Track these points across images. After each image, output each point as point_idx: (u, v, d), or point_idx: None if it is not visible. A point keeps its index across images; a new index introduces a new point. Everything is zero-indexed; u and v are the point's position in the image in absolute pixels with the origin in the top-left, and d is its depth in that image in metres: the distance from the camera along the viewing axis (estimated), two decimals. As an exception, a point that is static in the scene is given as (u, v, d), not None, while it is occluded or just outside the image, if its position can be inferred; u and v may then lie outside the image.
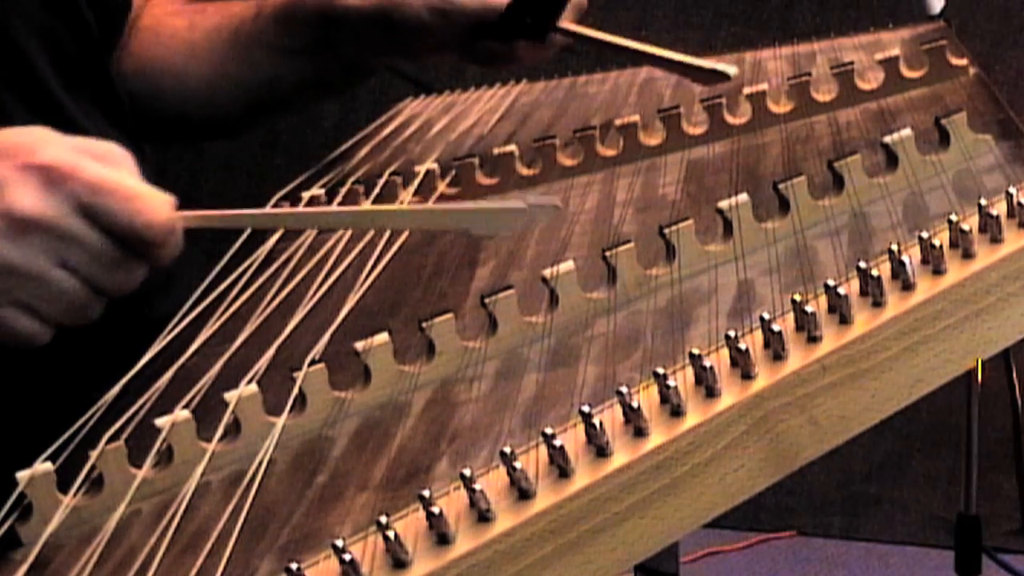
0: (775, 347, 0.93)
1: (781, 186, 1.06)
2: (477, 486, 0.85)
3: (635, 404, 0.89)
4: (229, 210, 1.01)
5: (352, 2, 1.30)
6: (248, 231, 1.17)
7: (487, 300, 1.00)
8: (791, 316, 0.95)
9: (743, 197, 1.05)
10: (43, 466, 0.91)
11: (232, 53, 1.35)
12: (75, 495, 0.92)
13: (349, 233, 1.18)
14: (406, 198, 1.23)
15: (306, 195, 1.28)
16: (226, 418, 0.95)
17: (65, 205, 0.92)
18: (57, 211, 0.92)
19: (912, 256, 0.97)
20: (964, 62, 1.22)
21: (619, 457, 0.88)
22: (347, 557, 0.82)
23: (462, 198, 1.24)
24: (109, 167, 0.95)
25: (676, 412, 0.90)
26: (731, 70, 1.23)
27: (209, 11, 1.38)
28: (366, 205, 1.22)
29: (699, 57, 1.29)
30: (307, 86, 1.37)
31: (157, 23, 1.39)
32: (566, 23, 1.31)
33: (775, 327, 0.93)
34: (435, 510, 0.84)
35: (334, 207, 1.21)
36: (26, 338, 0.95)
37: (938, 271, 0.97)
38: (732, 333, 0.93)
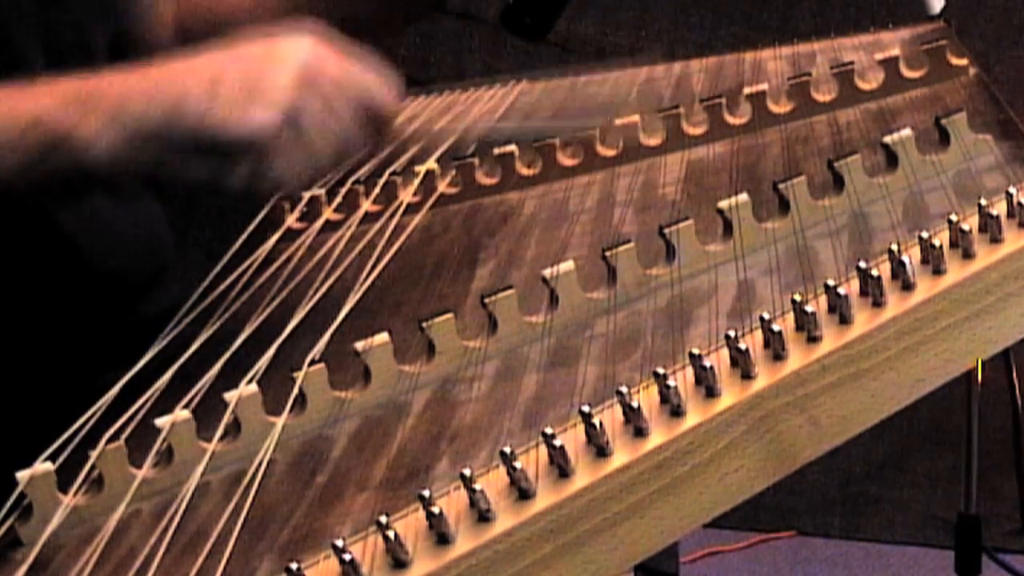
0: (775, 347, 0.93)
1: (781, 186, 1.06)
2: (477, 486, 0.85)
3: (635, 404, 0.89)
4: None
5: None
6: (248, 231, 1.17)
7: (487, 300, 1.00)
8: (791, 316, 0.95)
9: (743, 197, 1.05)
10: (43, 466, 0.91)
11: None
12: (75, 495, 0.92)
13: (349, 233, 1.18)
14: (406, 198, 1.23)
15: (306, 195, 1.28)
16: (226, 418, 0.95)
17: (333, 64, 1.05)
18: (328, 68, 1.05)
19: (912, 256, 0.97)
20: (964, 62, 1.22)
21: (619, 457, 0.88)
22: (347, 557, 0.82)
23: (462, 198, 1.24)
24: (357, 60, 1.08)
25: (676, 412, 0.90)
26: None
27: None
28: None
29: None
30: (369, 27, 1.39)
31: None
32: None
33: (775, 327, 0.93)
34: (435, 510, 0.84)
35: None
36: (289, 178, 1.05)
37: (938, 271, 0.97)
38: (732, 333, 0.93)
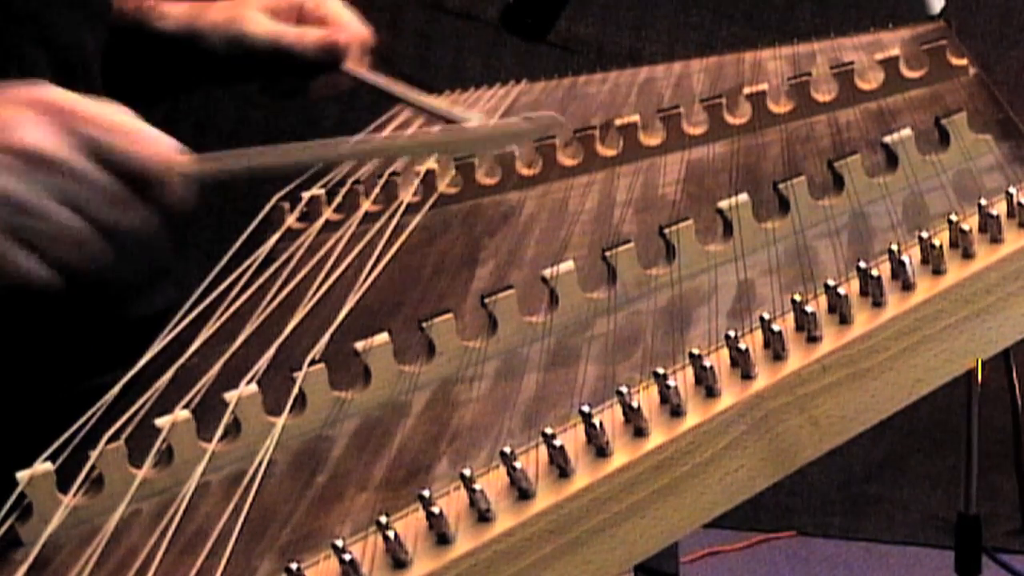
0: (775, 347, 0.93)
1: (781, 186, 1.06)
2: (477, 486, 0.85)
3: (635, 404, 0.89)
4: (240, 149, 1.01)
5: (164, 25, 1.32)
6: (248, 231, 1.17)
7: (487, 300, 1.00)
8: (791, 316, 0.95)
9: (743, 197, 1.05)
10: (43, 466, 0.91)
11: None
12: (75, 495, 0.92)
13: (349, 233, 1.18)
14: (406, 198, 1.23)
15: (306, 195, 1.28)
16: (226, 418, 0.95)
17: (72, 142, 0.92)
18: (64, 148, 0.92)
19: (912, 256, 0.97)
20: (964, 62, 1.22)
21: (619, 457, 0.88)
22: (347, 557, 0.82)
23: (462, 198, 1.24)
24: (113, 111, 0.96)
25: (676, 412, 0.90)
26: (472, 117, 1.24)
27: None
28: (377, 136, 1.23)
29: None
30: (145, 92, 1.38)
31: None
32: (350, 66, 1.32)
33: (775, 327, 0.93)
34: (435, 510, 0.84)
35: (346, 140, 1.21)
36: (26, 275, 0.94)
37: (938, 271, 0.97)
38: (732, 333, 0.93)
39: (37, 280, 0.94)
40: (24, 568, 0.87)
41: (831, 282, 0.95)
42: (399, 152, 1.17)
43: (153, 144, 0.96)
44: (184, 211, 0.98)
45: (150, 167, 0.95)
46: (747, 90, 1.24)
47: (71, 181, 0.92)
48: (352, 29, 1.33)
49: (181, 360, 1.02)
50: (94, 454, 0.92)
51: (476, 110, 1.42)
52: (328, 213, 1.25)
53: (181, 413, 0.94)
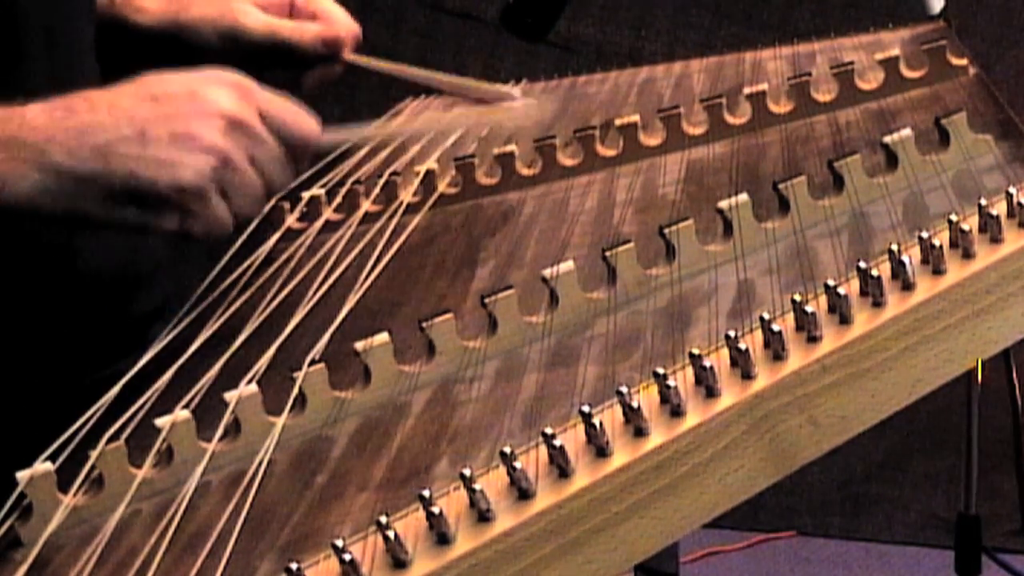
0: (775, 347, 0.93)
1: (781, 186, 1.06)
2: (477, 486, 0.85)
3: (635, 404, 0.89)
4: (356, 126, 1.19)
5: (142, 18, 1.33)
6: (248, 231, 1.17)
7: (487, 300, 1.00)
8: (791, 316, 0.95)
9: (743, 197, 1.05)
10: (43, 466, 0.91)
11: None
12: (75, 495, 0.92)
13: (349, 233, 1.18)
14: (406, 198, 1.23)
15: (306, 195, 1.28)
16: (226, 418, 0.95)
17: (254, 110, 1.06)
18: (251, 114, 1.05)
19: (912, 256, 0.97)
20: (964, 62, 1.22)
21: (619, 457, 0.88)
22: (347, 557, 0.82)
23: (462, 198, 1.24)
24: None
25: (676, 412, 0.90)
26: (515, 92, 1.25)
27: None
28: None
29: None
30: None
31: None
32: (350, 55, 1.34)
33: (775, 327, 0.93)
34: (435, 510, 0.84)
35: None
36: (221, 224, 1.05)
37: (938, 271, 0.97)
38: (732, 333, 0.93)
39: (226, 226, 1.05)
40: (24, 568, 0.87)
41: (831, 282, 0.95)
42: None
43: (307, 119, 1.09)
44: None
45: (305, 135, 1.09)
46: (747, 90, 1.24)
47: (255, 142, 1.05)
48: (345, 24, 1.36)
49: (181, 360, 1.02)
50: (94, 454, 0.92)
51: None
52: (328, 213, 1.25)
53: (181, 413, 0.94)
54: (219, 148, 1.03)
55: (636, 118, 1.25)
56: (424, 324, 0.99)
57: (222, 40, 1.33)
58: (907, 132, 1.08)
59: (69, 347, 1.20)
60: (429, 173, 1.26)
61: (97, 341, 1.19)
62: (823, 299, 0.96)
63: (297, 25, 1.35)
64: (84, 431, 0.94)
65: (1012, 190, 1.01)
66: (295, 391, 0.96)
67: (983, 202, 1.00)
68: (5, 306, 1.17)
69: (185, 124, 1.03)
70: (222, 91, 1.05)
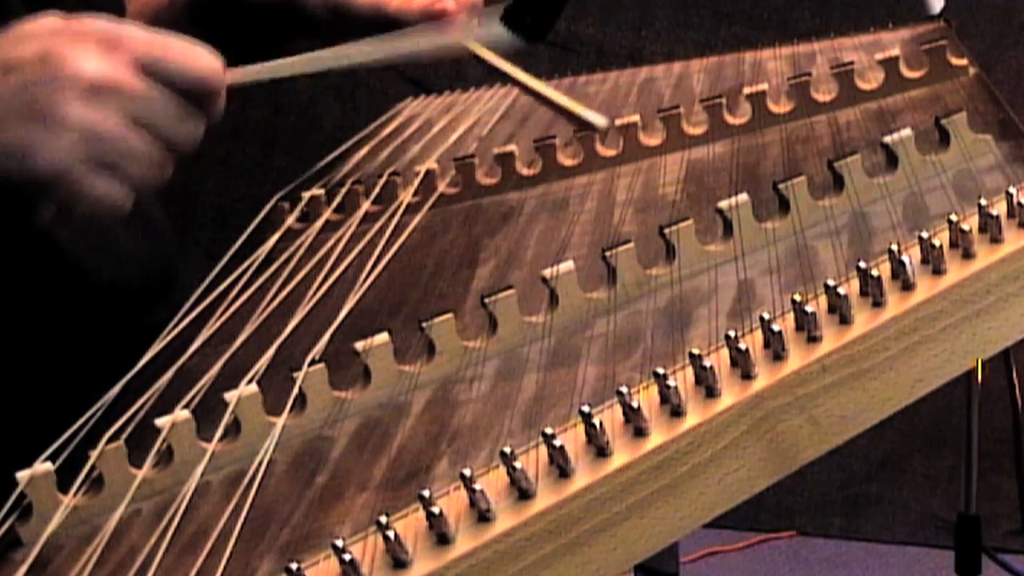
0: (775, 347, 0.93)
1: (781, 186, 1.06)
2: (477, 486, 0.85)
3: (635, 404, 0.89)
4: (268, 62, 1.06)
5: None
6: (248, 231, 1.17)
7: (487, 300, 1.00)
8: (791, 316, 0.95)
9: (743, 197, 1.05)
10: (43, 466, 0.91)
11: None
12: (75, 495, 0.92)
13: (349, 233, 1.18)
14: (406, 198, 1.23)
15: (306, 195, 1.28)
16: (226, 418, 0.95)
17: (126, 65, 0.93)
18: (121, 72, 0.93)
19: (912, 256, 0.97)
20: (964, 62, 1.22)
21: (619, 457, 0.88)
22: (347, 557, 0.82)
23: (462, 198, 1.24)
24: (156, 31, 0.96)
25: (676, 412, 0.90)
26: (601, 121, 1.22)
27: None
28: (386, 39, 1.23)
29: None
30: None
31: None
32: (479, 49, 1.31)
33: (775, 327, 0.93)
34: (435, 510, 0.84)
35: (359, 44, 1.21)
36: (110, 202, 0.95)
37: (938, 271, 0.97)
38: (732, 333, 0.93)
39: (117, 203, 0.94)
40: (24, 568, 0.87)
41: (831, 282, 0.95)
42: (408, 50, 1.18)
43: (202, 57, 0.96)
44: (218, 123, 0.99)
45: (204, 79, 0.96)
46: (747, 90, 1.24)
47: (135, 102, 0.93)
48: None
49: (181, 360, 1.02)
50: (94, 454, 0.92)
51: (476, 110, 1.43)
52: (328, 213, 1.25)
53: (181, 413, 0.94)
54: (82, 121, 0.91)
55: (636, 118, 1.25)
56: (424, 324, 0.99)
57: (329, 14, 1.29)
58: (907, 132, 1.08)
59: (83, 358, 1.19)
60: (429, 173, 1.26)
61: (111, 352, 1.18)
62: (823, 299, 0.96)
63: None
64: (84, 431, 0.94)
65: (1012, 190, 1.01)
66: (295, 391, 0.96)
67: (983, 202, 1.00)
68: (16, 316, 1.17)
69: (36, 99, 0.91)
70: (81, 49, 0.92)
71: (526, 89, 1.27)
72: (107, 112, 0.92)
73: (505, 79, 1.30)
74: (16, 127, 0.91)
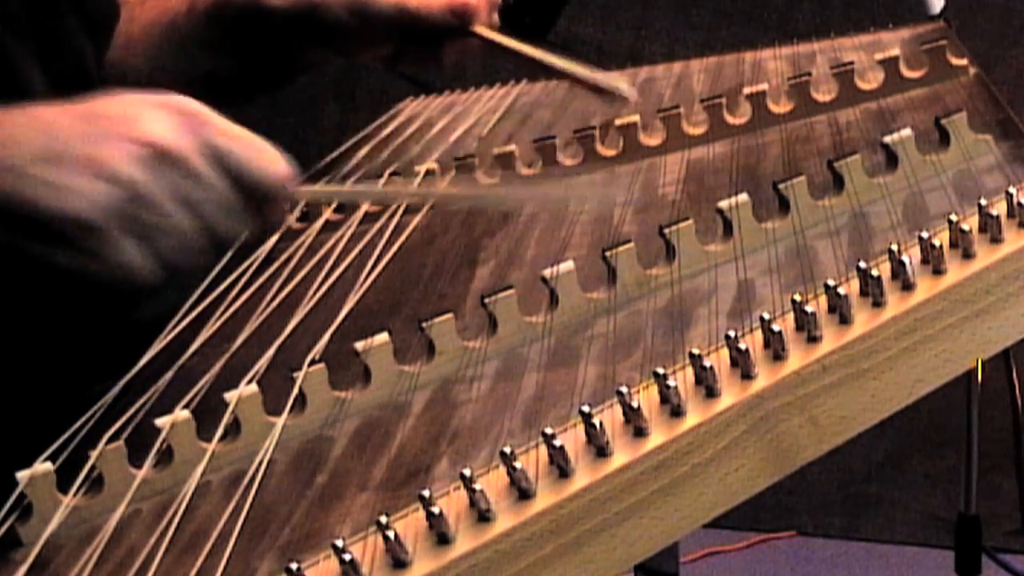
0: (775, 347, 0.93)
1: (781, 186, 1.06)
2: (477, 486, 0.85)
3: (635, 404, 0.89)
4: (339, 184, 1.09)
5: (277, 1, 1.29)
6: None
7: (487, 300, 1.00)
8: (791, 316, 0.95)
9: (743, 197, 1.05)
10: (43, 466, 0.91)
11: (168, 48, 1.32)
12: (75, 495, 0.92)
13: (349, 233, 1.18)
14: (406, 198, 1.23)
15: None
16: (226, 418, 0.95)
17: (197, 143, 0.92)
18: (190, 147, 0.92)
19: (912, 256, 0.97)
20: (964, 62, 1.22)
21: (619, 457, 0.88)
22: (347, 557, 0.82)
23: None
24: (237, 125, 0.96)
25: (676, 412, 0.90)
26: (628, 90, 1.21)
27: (148, 4, 1.37)
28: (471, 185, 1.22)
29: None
30: (242, 82, 1.36)
31: None
32: (481, 29, 1.30)
33: (775, 327, 0.93)
34: (435, 510, 0.84)
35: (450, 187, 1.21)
36: (131, 270, 0.93)
37: (938, 271, 0.97)
38: (732, 333, 0.93)
39: (138, 273, 0.93)
40: (24, 568, 0.87)
41: (831, 282, 0.95)
42: (491, 201, 1.18)
43: (272, 160, 0.96)
44: (276, 230, 0.99)
45: (266, 182, 0.95)
46: (747, 90, 1.24)
47: (190, 181, 0.92)
48: None
49: (181, 360, 1.02)
50: (94, 454, 0.92)
51: (476, 110, 1.42)
52: (328, 213, 1.24)
53: (181, 413, 0.94)
54: (131, 179, 0.90)
55: (636, 118, 1.25)
56: (424, 324, 0.99)
57: (352, 17, 1.27)
58: (907, 132, 1.08)
59: (76, 353, 1.19)
60: (429, 173, 1.25)
61: (104, 348, 1.18)
62: (823, 299, 0.96)
63: None
64: (84, 431, 0.94)
65: (1012, 190, 1.01)
66: (295, 391, 0.96)
67: (983, 202, 1.00)
68: (14, 316, 1.17)
69: (96, 145, 0.91)
70: (160, 116, 0.92)
71: (547, 68, 1.26)
72: (159, 180, 0.91)
73: (520, 60, 1.29)
74: (66, 164, 0.90)
